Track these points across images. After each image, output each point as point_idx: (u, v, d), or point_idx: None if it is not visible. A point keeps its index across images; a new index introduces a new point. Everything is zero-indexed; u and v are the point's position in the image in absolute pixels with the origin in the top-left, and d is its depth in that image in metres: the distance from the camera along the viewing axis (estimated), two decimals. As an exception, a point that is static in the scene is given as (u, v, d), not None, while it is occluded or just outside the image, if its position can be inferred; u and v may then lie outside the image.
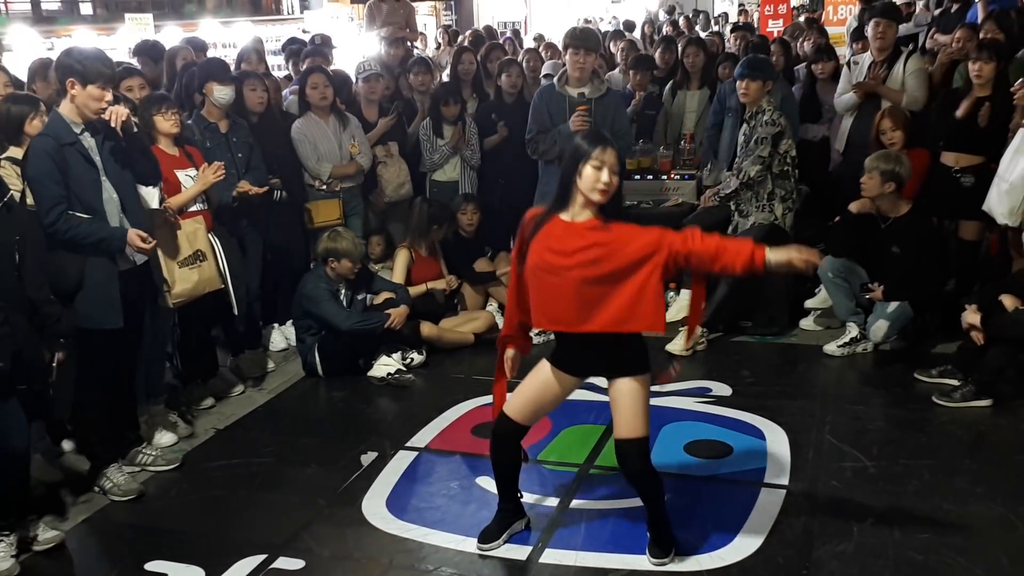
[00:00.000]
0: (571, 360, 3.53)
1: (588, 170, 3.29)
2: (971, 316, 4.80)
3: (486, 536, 3.79)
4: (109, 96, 4.12)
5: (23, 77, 6.20)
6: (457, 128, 6.58)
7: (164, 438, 4.84)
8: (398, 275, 6.19)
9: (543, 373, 3.58)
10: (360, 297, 5.83)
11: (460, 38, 11.95)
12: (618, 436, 3.50)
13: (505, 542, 3.79)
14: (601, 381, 5.26)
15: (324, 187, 6.21)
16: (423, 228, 6.28)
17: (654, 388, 5.21)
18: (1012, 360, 4.80)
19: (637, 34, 13.57)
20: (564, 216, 3.37)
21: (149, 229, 4.34)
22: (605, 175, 3.27)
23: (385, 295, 5.87)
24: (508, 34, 12.41)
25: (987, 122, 5.56)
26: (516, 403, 3.62)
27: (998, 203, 5.19)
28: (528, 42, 12.99)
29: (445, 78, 8.02)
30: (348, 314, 5.62)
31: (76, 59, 4.09)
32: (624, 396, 3.46)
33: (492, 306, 6.45)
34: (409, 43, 8.93)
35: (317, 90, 6.20)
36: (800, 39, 8.76)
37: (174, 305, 4.82)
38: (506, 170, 6.69)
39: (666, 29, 14.08)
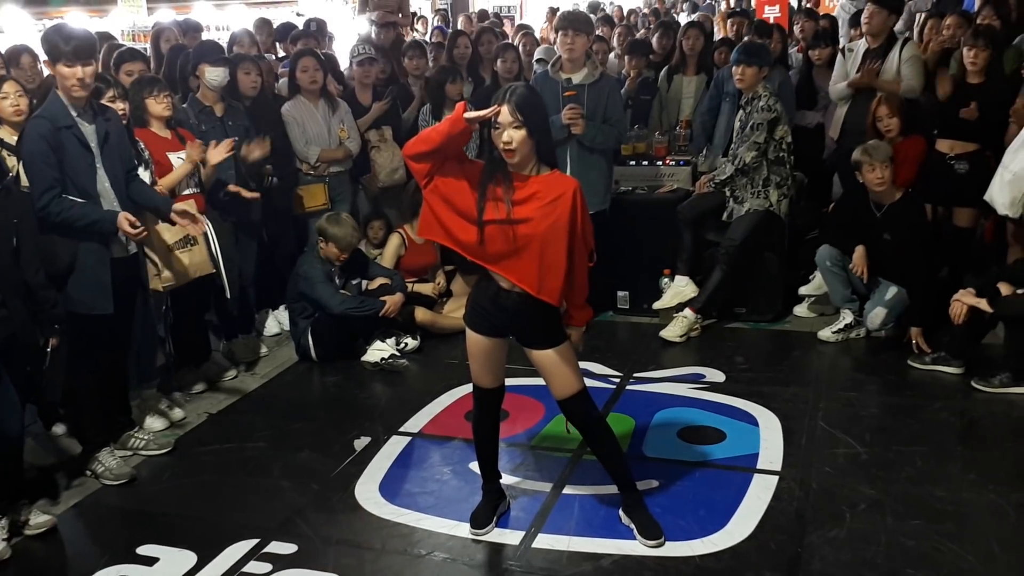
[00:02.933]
0: (483, 321, 3.55)
1: (494, 136, 3.33)
2: (968, 297, 4.81)
3: (478, 521, 3.80)
4: (79, 73, 4.00)
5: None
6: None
7: (156, 422, 4.83)
8: (387, 261, 6.17)
9: (468, 339, 3.62)
10: (354, 282, 5.81)
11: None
12: (558, 398, 3.60)
13: (495, 525, 3.81)
14: (594, 367, 5.33)
15: (312, 171, 6.19)
16: (413, 211, 6.27)
17: (646, 374, 5.26)
18: None
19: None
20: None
21: (140, 216, 4.32)
22: (505, 135, 3.29)
23: (380, 281, 5.85)
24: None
25: (977, 115, 5.54)
26: (473, 372, 3.69)
27: (999, 193, 5.16)
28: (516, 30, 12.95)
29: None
30: (342, 299, 5.60)
31: (46, 38, 4.04)
32: (549, 365, 3.54)
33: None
34: (400, 28, 8.90)
35: (307, 73, 6.16)
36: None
37: (164, 289, 4.79)
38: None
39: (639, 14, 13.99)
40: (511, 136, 3.27)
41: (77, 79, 4.01)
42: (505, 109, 3.27)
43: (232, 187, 5.36)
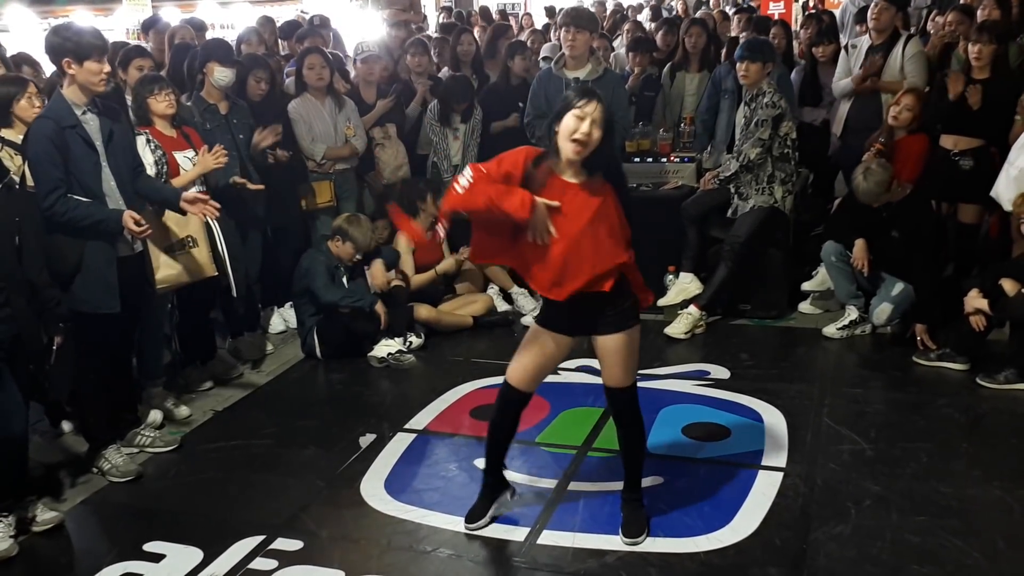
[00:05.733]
0: (561, 321, 3.51)
1: (569, 119, 3.23)
2: (977, 300, 4.80)
3: (472, 516, 3.80)
4: (107, 68, 4.09)
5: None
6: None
7: (162, 420, 4.84)
8: (404, 263, 6.16)
9: (537, 338, 3.56)
10: (358, 279, 5.80)
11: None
12: (609, 385, 3.57)
13: (493, 518, 3.81)
14: (599, 363, 5.32)
15: (318, 168, 6.19)
16: (409, 208, 6.29)
17: (651, 371, 5.26)
18: None
19: (644, 16, 13.50)
20: (563, 176, 3.33)
21: (144, 214, 4.33)
22: (585, 125, 3.21)
23: (395, 283, 5.87)
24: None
25: (979, 104, 5.53)
26: (517, 372, 3.61)
27: (1006, 189, 5.16)
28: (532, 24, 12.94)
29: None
30: (336, 290, 5.62)
31: (66, 37, 4.04)
32: (613, 352, 3.49)
33: (492, 289, 6.43)
34: (413, 25, 8.92)
35: (314, 71, 6.17)
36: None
37: (158, 292, 4.79)
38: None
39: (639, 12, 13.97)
40: (590, 131, 3.21)
41: (106, 73, 4.09)
42: (596, 106, 3.21)
43: (237, 179, 5.36)
